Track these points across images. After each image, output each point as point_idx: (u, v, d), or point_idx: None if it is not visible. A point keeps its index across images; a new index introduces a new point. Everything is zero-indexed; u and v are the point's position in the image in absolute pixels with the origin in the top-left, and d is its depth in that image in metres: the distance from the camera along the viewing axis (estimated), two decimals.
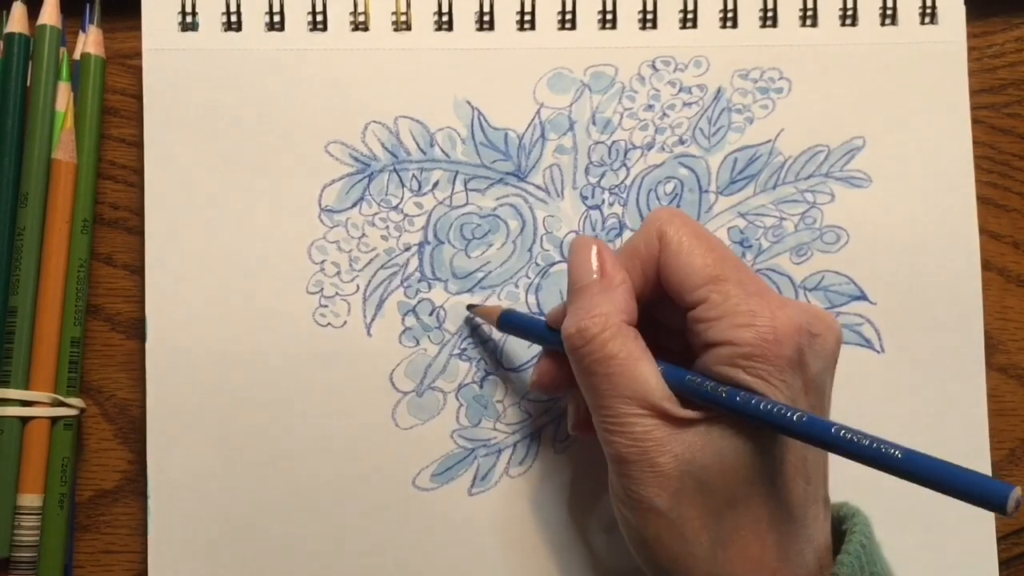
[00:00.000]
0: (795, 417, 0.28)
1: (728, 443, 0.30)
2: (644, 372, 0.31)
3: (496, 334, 0.40)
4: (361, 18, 0.40)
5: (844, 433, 0.27)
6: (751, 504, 0.30)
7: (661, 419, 0.30)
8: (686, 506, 0.30)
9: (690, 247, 0.32)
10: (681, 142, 0.40)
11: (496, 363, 0.40)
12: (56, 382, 0.39)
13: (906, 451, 0.26)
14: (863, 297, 0.40)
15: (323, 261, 0.40)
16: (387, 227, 0.40)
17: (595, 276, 0.33)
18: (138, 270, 0.40)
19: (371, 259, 0.40)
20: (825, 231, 0.41)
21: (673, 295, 0.32)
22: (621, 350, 0.31)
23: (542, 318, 0.36)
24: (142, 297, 0.39)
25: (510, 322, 0.37)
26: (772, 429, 0.29)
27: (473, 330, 0.40)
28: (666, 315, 0.34)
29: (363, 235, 0.40)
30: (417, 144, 0.40)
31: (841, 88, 0.41)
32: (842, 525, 0.33)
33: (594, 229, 0.40)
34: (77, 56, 0.40)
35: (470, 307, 0.39)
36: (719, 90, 0.41)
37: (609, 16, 0.40)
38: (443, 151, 0.40)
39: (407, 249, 0.40)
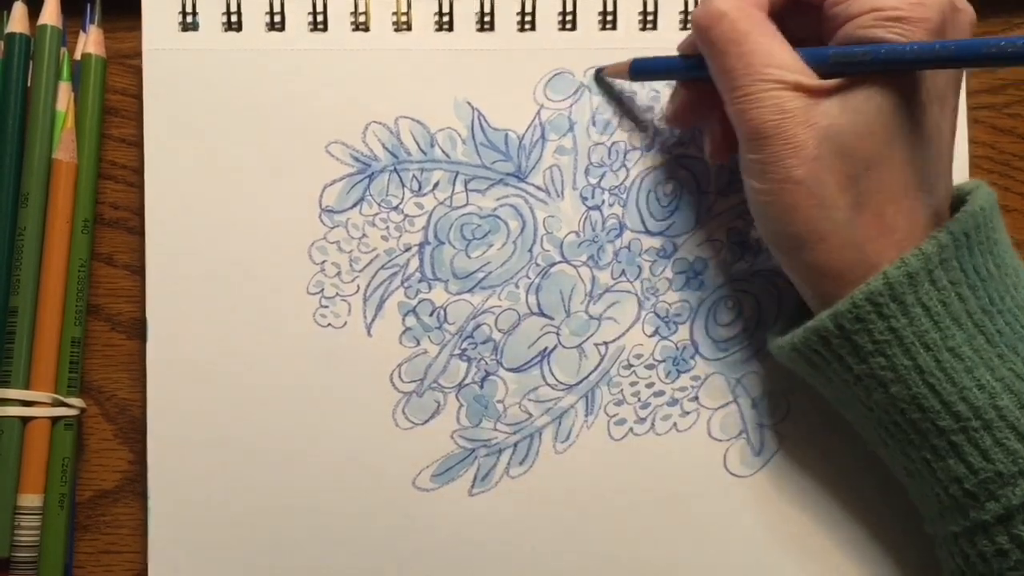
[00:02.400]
0: (942, 47, 0.29)
1: (867, 105, 0.31)
2: (777, 47, 0.32)
3: (497, 334, 0.40)
4: (361, 18, 0.40)
5: (993, 43, 0.28)
6: (888, 166, 0.32)
7: (797, 91, 0.32)
8: (825, 172, 0.31)
9: None
10: (680, 143, 0.40)
11: (496, 363, 0.40)
12: (56, 382, 0.39)
13: None
14: None
15: (323, 261, 0.40)
16: (387, 227, 0.40)
17: None
18: (138, 270, 0.40)
19: (371, 259, 0.40)
20: None
21: None
22: (754, 28, 0.32)
23: (672, 56, 0.37)
24: (142, 297, 0.39)
25: (642, 69, 0.38)
26: (919, 67, 0.30)
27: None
28: (800, 27, 0.34)
29: (363, 235, 0.40)
30: (418, 144, 0.40)
31: None
32: (966, 196, 0.34)
33: (594, 230, 0.40)
34: (78, 56, 0.40)
35: (599, 71, 0.40)
36: None
37: (609, 17, 0.40)
38: (443, 151, 0.40)
39: (407, 249, 0.40)
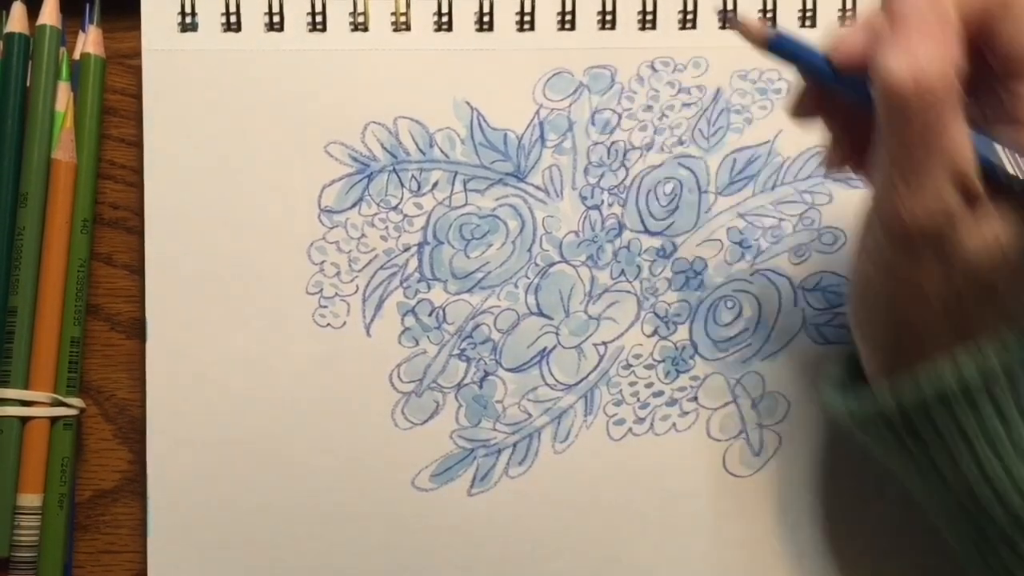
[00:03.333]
0: None
1: (1006, 234, 0.28)
2: (965, 140, 0.27)
3: (496, 334, 0.40)
4: (361, 19, 0.40)
5: None
6: (1007, 298, 0.29)
7: (963, 193, 0.28)
8: (949, 291, 0.29)
9: None
10: (680, 143, 0.40)
11: (495, 363, 0.40)
12: (56, 382, 0.39)
13: None
14: None
15: (323, 262, 0.40)
16: (386, 227, 0.40)
17: (926, 9, 0.27)
18: (138, 270, 0.40)
19: (370, 260, 0.40)
20: (823, 232, 0.41)
21: (1000, 63, 0.28)
22: (956, 117, 0.27)
23: (817, 52, 0.31)
24: (142, 297, 0.39)
25: (781, 47, 0.31)
26: None
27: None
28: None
29: (362, 235, 0.40)
30: (416, 144, 0.40)
31: None
32: None
33: (593, 229, 0.40)
34: (77, 56, 0.40)
35: (733, 17, 0.36)
36: (718, 91, 0.41)
37: (608, 17, 0.40)
38: (442, 151, 0.40)
39: (406, 249, 0.40)
